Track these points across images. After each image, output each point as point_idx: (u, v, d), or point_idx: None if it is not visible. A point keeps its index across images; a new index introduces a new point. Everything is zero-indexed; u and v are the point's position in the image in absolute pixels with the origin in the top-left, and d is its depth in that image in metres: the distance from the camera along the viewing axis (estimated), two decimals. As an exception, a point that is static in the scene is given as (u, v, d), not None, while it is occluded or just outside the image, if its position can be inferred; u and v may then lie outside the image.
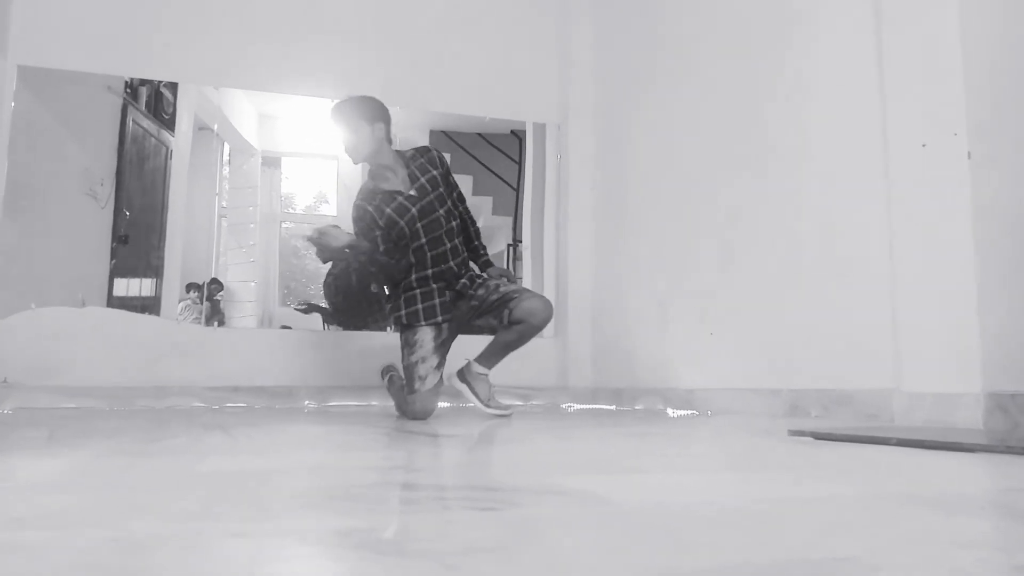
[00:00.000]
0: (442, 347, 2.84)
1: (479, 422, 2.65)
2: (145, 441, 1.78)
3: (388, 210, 2.78)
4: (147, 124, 3.87)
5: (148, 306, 3.78)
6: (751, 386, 2.91)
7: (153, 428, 2.19)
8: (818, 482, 1.15)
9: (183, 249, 3.91)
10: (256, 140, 4.25)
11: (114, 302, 3.70)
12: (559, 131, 4.41)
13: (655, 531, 0.76)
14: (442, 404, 3.38)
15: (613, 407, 3.75)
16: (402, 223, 2.78)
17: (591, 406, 3.88)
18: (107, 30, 3.76)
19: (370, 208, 2.79)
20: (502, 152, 4.51)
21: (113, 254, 3.73)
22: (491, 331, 2.89)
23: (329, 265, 3.97)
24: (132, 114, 3.82)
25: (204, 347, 3.73)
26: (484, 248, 3.11)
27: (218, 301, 3.98)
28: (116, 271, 3.74)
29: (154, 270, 3.84)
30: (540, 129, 4.43)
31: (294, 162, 4.47)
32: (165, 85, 3.90)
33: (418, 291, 2.83)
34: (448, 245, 2.85)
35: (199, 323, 3.83)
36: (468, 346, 3.08)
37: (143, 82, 3.86)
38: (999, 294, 2.08)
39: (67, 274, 3.67)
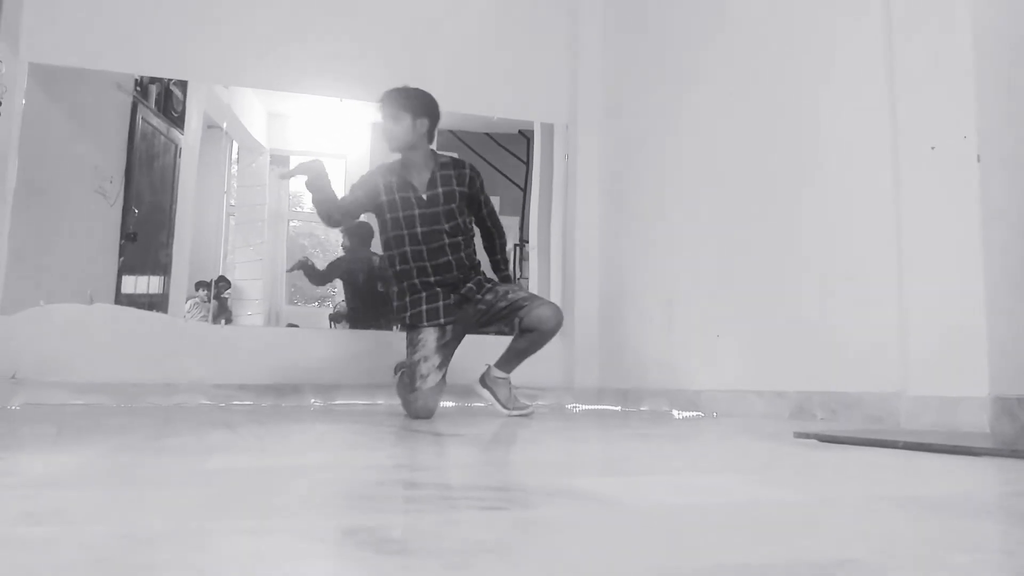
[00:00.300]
0: (445, 348, 2.87)
1: (485, 422, 2.66)
2: (152, 438, 1.79)
3: (397, 195, 2.85)
4: (157, 122, 3.89)
5: (156, 303, 3.80)
6: (757, 388, 2.91)
7: (160, 425, 2.19)
8: (823, 485, 1.15)
9: (191, 247, 3.92)
10: (265, 139, 4.26)
11: (122, 299, 3.71)
12: (567, 131, 4.41)
13: (659, 532, 0.76)
14: (448, 404, 3.39)
15: (619, 408, 3.75)
16: (399, 215, 2.84)
17: (597, 407, 3.88)
18: (118, 28, 3.78)
19: (381, 181, 2.89)
20: (510, 152, 4.51)
21: (121, 251, 3.75)
22: (502, 333, 2.97)
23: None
24: (142, 112, 3.84)
25: (211, 345, 3.74)
26: (505, 263, 3.14)
27: (226, 299, 3.99)
28: (124, 268, 3.76)
29: (162, 267, 3.85)
30: (548, 129, 4.43)
31: (303, 160, 4.48)
32: (175, 83, 3.92)
33: (423, 294, 2.86)
34: (451, 257, 2.86)
35: (207, 321, 3.85)
36: (480, 347, 3.12)
37: (153, 80, 3.87)
38: (1007, 298, 2.07)
39: (76, 271, 3.69)
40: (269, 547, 0.66)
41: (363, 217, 3.34)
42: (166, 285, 3.84)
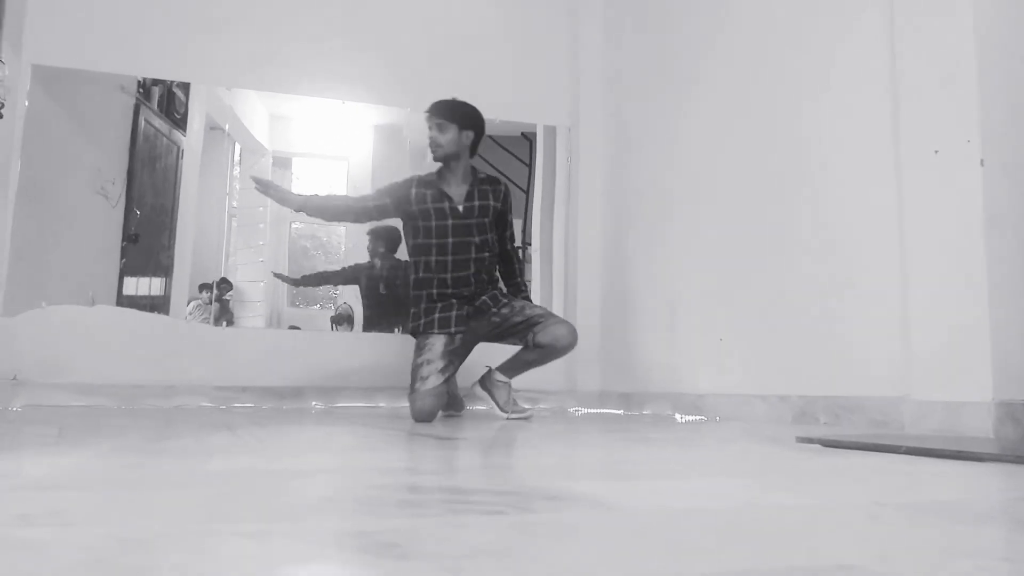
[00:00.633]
0: (451, 354, 2.88)
1: (486, 425, 2.65)
2: (152, 440, 1.79)
3: (431, 205, 2.90)
4: (159, 124, 3.89)
5: (157, 305, 3.80)
6: (760, 392, 2.90)
7: (161, 427, 2.19)
8: (824, 490, 1.14)
9: (193, 248, 3.93)
10: (267, 140, 4.27)
11: (124, 301, 3.71)
12: (569, 134, 4.41)
13: (660, 537, 0.75)
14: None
15: (621, 411, 3.75)
16: (432, 224, 2.89)
17: (599, 410, 3.88)
18: (120, 30, 3.79)
19: (414, 191, 2.93)
20: (512, 154, 4.51)
21: (123, 253, 3.75)
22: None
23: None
24: (144, 114, 3.84)
25: (212, 347, 3.74)
26: (526, 286, 3.21)
27: (227, 301, 3.99)
28: (126, 270, 3.76)
29: (164, 269, 3.85)
30: (551, 131, 4.43)
31: (305, 163, 4.49)
32: (177, 85, 3.92)
33: (438, 304, 2.91)
34: (472, 270, 2.91)
35: (208, 323, 3.85)
36: (485, 350, 3.14)
37: (155, 82, 3.88)
38: (1010, 302, 2.07)
39: (77, 272, 3.69)
40: (269, 550, 0.66)
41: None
42: (167, 287, 3.84)
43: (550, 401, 3.96)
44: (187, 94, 3.94)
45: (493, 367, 3.02)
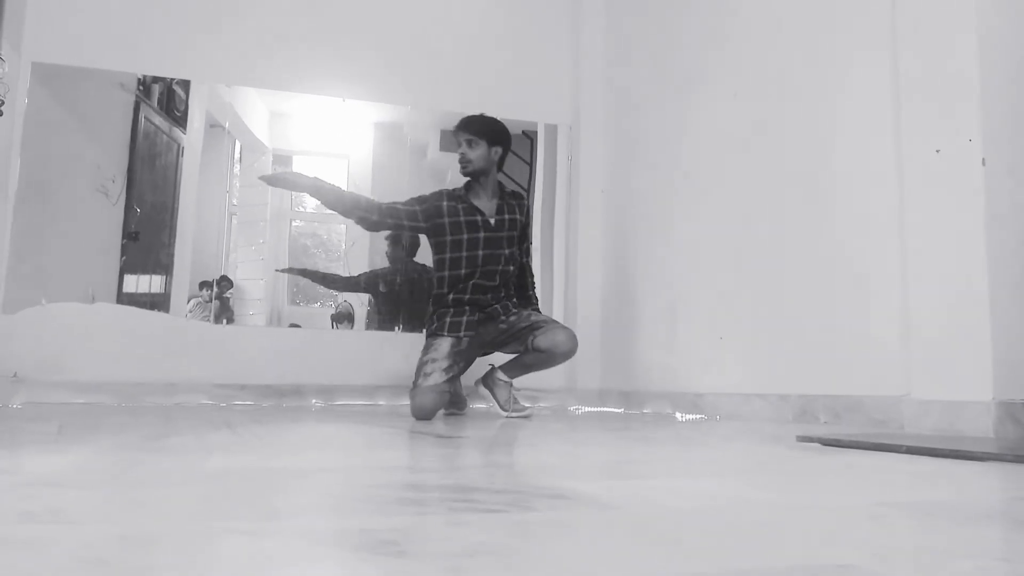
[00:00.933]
0: (455, 356, 2.93)
1: (487, 424, 2.66)
2: (152, 438, 1.79)
3: (463, 219, 2.94)
4: (159, 121, 3.89)
5: (157, 303, 3.80)
6: (760, 391, 2.90)
7: (161, 425, 2.19)
8: (824, 489, 1.14)
9: (193, 246, 3.93)
10: (267, 138, 4.26)
11: (124, 298, 3.71)
12: (570, 132, 4.41)
13: (660, 536, 0.75)
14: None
15: (621, 410, 3.75)
16: (463, 237, 2.93)
17: (599, 409, 3.88)
18: (120, 28, 3.78)
19: (445, 203, 2.96)
20: (513, 153, 4.50)
21: (123, 251, 3.75)
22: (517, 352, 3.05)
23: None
24: (144, 111, 3.84)
25: (213, 344, 3.74)
26: (537, 299, 3.26)
27: (227, 298, 3.99)
28: (126, 268, 3.76)
29: (164, 267, 3.85)
30: (552, 130, 4.43)
31: (305, 160, 4.48)
32: (177, 83, 3.92)
33: (451, 308, 2.97)
34: (496, 282, 2.98)
35: (208, 320, 3.84)
36: (494, 355, 3.17)
37: (155, 79, 3.88)
38: (1011, 302, 2.07)
39: (78, 270, 3.69)
40: (268, 548, 0.66)
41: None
42: (168, 284, 3.84)
43: (550, 399, 3.96)
44: (187, 91, 3.94)
45: (496, 366, 3.07)
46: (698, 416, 3.18)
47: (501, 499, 0.93)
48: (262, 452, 1.56)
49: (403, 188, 4.28)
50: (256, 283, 4.14)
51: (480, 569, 0.58)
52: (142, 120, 3.83)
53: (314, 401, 3.72)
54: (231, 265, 4.08)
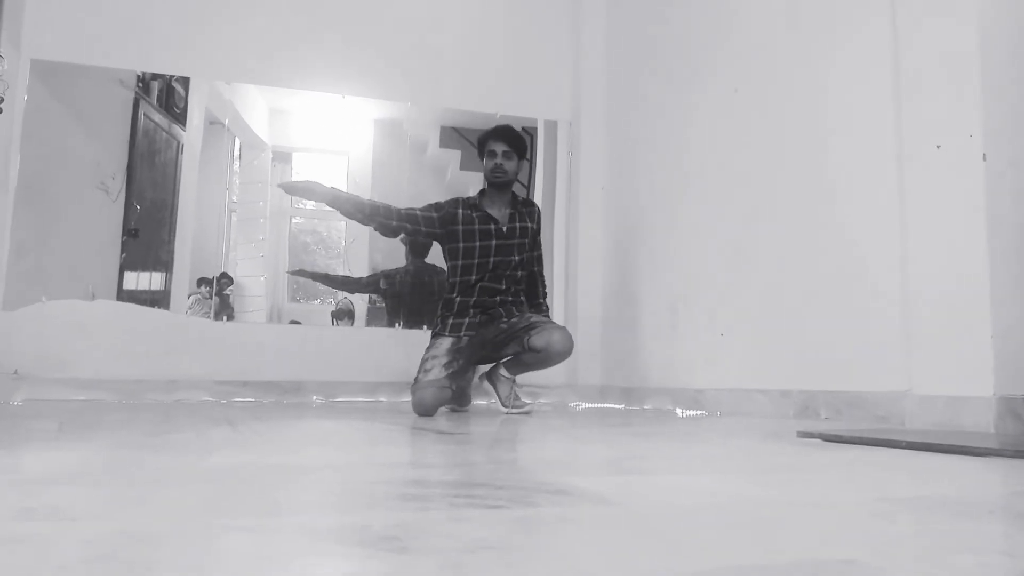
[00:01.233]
0: (456, 353, 2.98)
1: (488, 420, 2.66)
2: (153, 435, 1.79)
3: (477, 226, 3.02)
4: (158, 118, 3.89)
5: (157, 300, 3.80)
6: (761, 387, 2.90)
7: (161, 421, 2.19)
8: (825, 484, 1.14)
9: (193, 243, 3.93)
10: (267, 135, 4.26)
11: (124, 295, 3.72)
12: (570, 129, 4.40)
13: (661, 532, 0.75)
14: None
15: (622, 406, 3.75)
16: (476, 244, 3.01)
17: (600, 405, 3.88)
18: (120, 25, 3.78)
19: (460, 211, 3.04)
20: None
21: (123, 248, 3.75)
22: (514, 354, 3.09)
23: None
24: (144, 108, 3.83)
25: (213, 341, 3.74)
26: (547, 308, 3.32)
27: (227, 295, 3.99)
28: (126, 265, 3.76)
29: (164, 264, 3.85)
30: (551, 126, 4.42)
31: (305, 157, 4.48)
32: (177, 80, 3.91)
33: (456, 310, 3.05)
34: (503, 286, 3.05)
35: (208, 317, 3.85)
36: None
37: (155, 76, 3.87)
38: (1012, 297, 2.07)
39: (77, 267, 3.69)
40: (269, 544, 0.66)
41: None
42: (168, 281, 3.84)
43: (551, 396, 3.97)
44: (187, 88, 3.94)
45: (501, 362, 3.11)
46: (699, 412, 3.18)
47: (502, 495, 0.93)
48: (263, 449, 1.56)
49: (403, 185, 4.28)
50: (256, 280, 4.14)
51: (481, 565, 0.58)
52: (142, 117, 3.83)
53: (315, 398, 3.72)
54: (231, 262, 4.08)
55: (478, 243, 3.02)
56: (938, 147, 2.22)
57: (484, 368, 3.15)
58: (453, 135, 4.39)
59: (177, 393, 3.54)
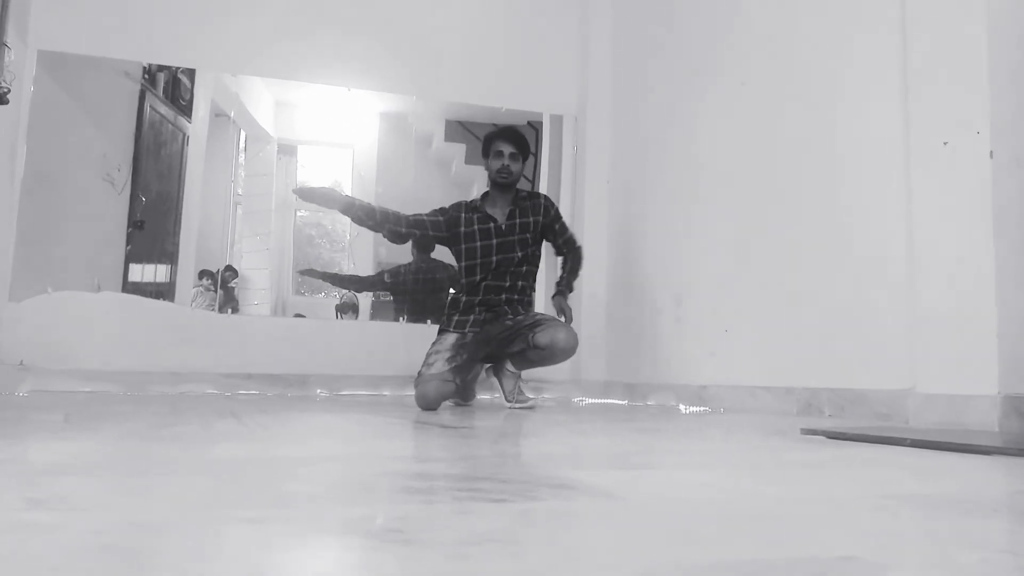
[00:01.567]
0: (459, 348, 2.99)
1: (492, 415, 2.66)
2: (158, 426, 1.80)
3: (477, 227, 3.08)
4: (164, 110, 3.89)
5: (163, 292, 3.81)
6: (765, 384, 2.90)
7: (166, 413, 2.20)
8: (828, 481, 1.14)
9: (198, 235, 3.93)
10: (272, 128, 4.26)
11: (129, 287, 3.72)
12: (576, 123, 4.40)
13: (663, 526, 0.75)
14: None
15: (625, 402, 3.75)
16: (477, 244, 3.06)
17: (603, 400, 3.88)
18: (126, 16, 3.78)
19: (464, 214, 3.11)
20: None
21: (129, 239, 3.76)
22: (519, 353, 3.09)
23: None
24: (150, 100, 3.84)
25: (218, 334, 3.75)
26: (571, 282, 3.23)
27: (232, 288, 4.00)
28: (131, 256, 3.77)
29: (169, 256, 3.86)
30: (557, 121, 4.41)
31: (310, 150, 4.48)
32: (183, 71, 3.92)
33: (462, 308, 3.09)
34: (507, 283, 3.08)
35: (212, 309, 3.85)
36: None
37: (161, 68, 3.87)
38: (1018, 296, 2.06)
39: (83, 259, 3.70)
40: (273, 535, 0.66)
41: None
42: (173, 274, 3.85)
43: (555, 391, 3.97)
44: (192, 80, 3.94)
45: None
46: (702, 408, 3.18)
47: (506, 488, 0.93)
48: (268, 441, 1.56)
49: (408, 178, 4.28)
50: (261, 272, 4.15)
51: (485, 557, 0.58)
52: (147, 109, 3.83)
53: (319, 391, 3.73)
54: (236, 255, 4.09)
55: (479, 243, 3.07)
56: (945, 144, 2.21)
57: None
58: (458, 129, 4.39)
59: (182, 385, 3.54)
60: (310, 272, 4.27)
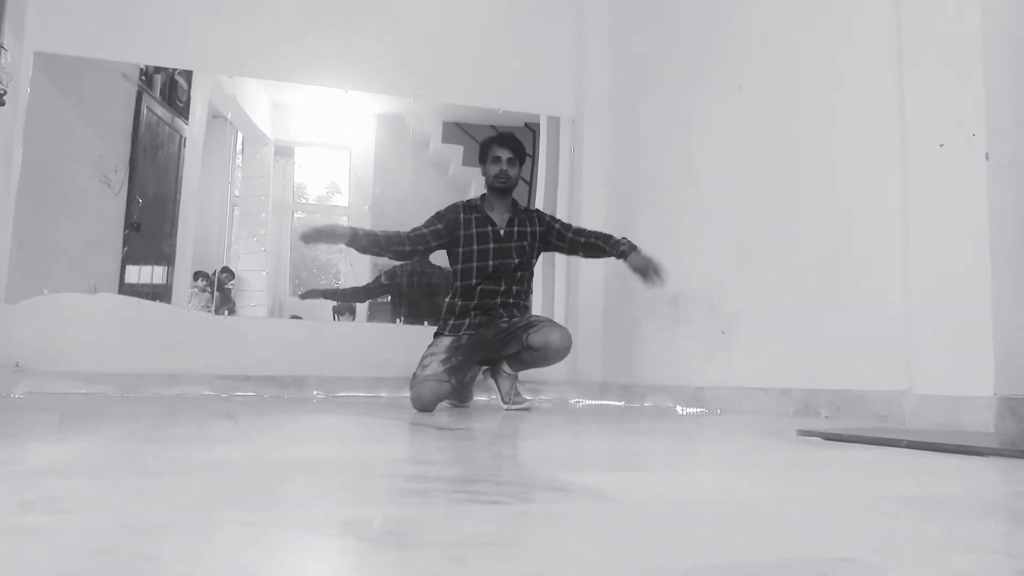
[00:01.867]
0: (454, 351, 3.00)
1: (489, 417, 2.66)
2: (154, 428, 1.79)
3: (475, 230, 3.09)
4: (161, 112, 3.89)
5: (159, 294, 3.80)
6: (761, 385, 2.90)
7: (163, 415, 2.20)
8: (824, 483, 1.14)
9: (195, 237, 3.93)
10: (269, 129, 4.26)
11: (126, 289, 3.72)
12: (573, 125, 4.40)
13: (659, 528, 0.75)
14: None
15: (622, 403, 3.75)
16: (474, 248, 3.07)
17: (600, 402, 3.88)
18: (123, 18, 3.78)
19: (462, 215, 3.11)
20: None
21: (125, 241, 3.75)
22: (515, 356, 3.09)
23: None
24: (147, 102, 3.83)
25: (215, 335, 3.75)
26: (615, 241, 3.17)
27: (229, 290, 3.99)
28: (128, 258, 3.76)
29: (166, 258, 3.85)
30: (554, 122, 4.42)
31: (307, 152, 4.48)
32: (180, 73, 3.91)
33: (458, 312, 3.09)
34: (503, 287, 3.09)
35: (208, 311, 3.85)
36: None
37: (158, 70, 3.87)
38: (1013, 297, 2.07)
39: (79, 260, 3.69)
40: (269, 538, 0.66)
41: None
42: (170, 275, 3.85)
43: (552, 392, 3.97)
44: (189, 82, 3.94)
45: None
46: (699, 410, 3.18)
47: (502, 491, 0.93)
48: (264, 443, 1.56)
49: (405, 180, 4.28)
50: (258, 274, 4.14)
51: (481, 560, 0.58)
52: (144, 111, 3.83)
53: (315, 392, 3.72)
54: (233, 256, 4.09)
55: (476, 247, 3.07)
56: (941, 146, 2.22)
57: None
58: (456, 130, 4.39)
59: (178, 387, 3.54)
60: (311, 294, 4.28)
